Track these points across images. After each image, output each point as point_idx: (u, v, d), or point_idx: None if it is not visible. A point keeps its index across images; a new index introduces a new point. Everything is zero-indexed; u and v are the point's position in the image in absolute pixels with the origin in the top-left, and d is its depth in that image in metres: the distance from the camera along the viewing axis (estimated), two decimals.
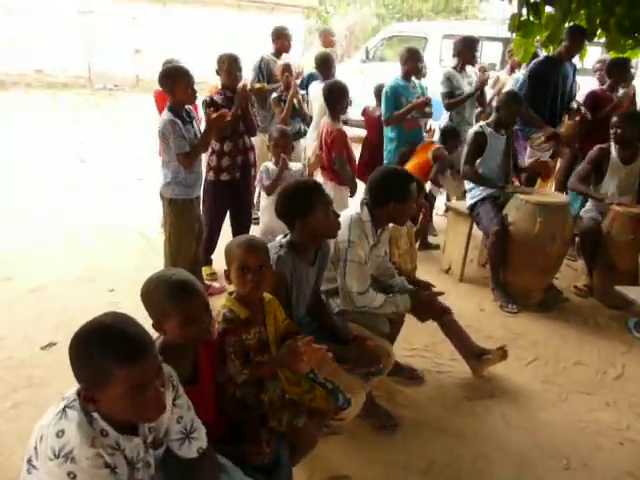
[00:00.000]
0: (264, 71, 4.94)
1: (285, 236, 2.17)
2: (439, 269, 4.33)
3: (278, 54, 5.07)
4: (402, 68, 4.47)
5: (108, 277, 3.86)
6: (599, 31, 3.77)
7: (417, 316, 2.64)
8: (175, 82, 3.09)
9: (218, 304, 1.90)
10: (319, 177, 4.17)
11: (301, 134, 4.83)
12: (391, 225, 2.83)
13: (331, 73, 4.84)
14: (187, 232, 3.31)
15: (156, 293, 1.49)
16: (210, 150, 3.67)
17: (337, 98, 3.91)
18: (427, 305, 2.58)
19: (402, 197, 2.40)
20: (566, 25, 3.91)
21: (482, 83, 4.79)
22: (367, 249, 2.40)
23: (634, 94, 4.62)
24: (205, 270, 3.83)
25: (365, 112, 5.23)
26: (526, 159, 4.73)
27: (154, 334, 1.47)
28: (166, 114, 3.11)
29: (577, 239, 4.13)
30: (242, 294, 1.84)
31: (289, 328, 1.99)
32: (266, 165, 3.65)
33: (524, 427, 2.60)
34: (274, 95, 4.78)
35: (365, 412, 2.34)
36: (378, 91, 4.86)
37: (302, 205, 2.05)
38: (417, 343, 3.20)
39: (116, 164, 7.08)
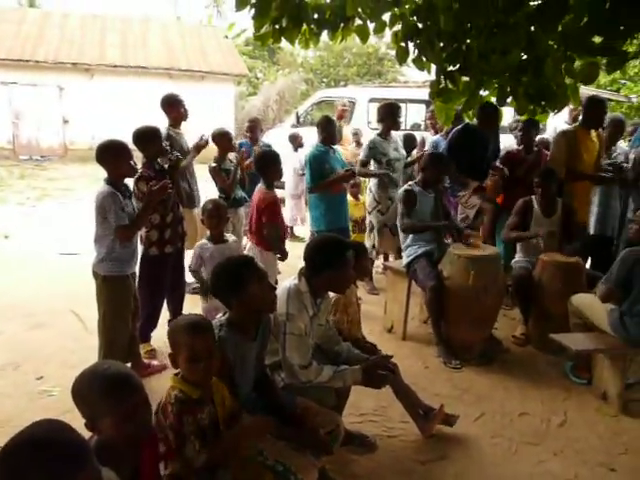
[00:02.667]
0: (175, 148, 4.58)
1: (224, 314, 2.13)
2: (382, 328, 4.35)
3: (176, 124, 4.75)
4: (320, 135, 4.62)
5: (35, 362, 3.60)
6: (509, 98, 4.07)
7: (370, 386, 2.62)
8: (116, 156, 3.05)
9: (158, 384, 1.83)
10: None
11: (242, 201, 4.86)
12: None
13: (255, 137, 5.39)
14: (123, 310, 3.18)
15: (88, 390, 1.39)
16: (149, 224, 3.57)
17: (269, 166, 3.99)
18: (379, 378, 2.55)
19: (338, 265, 2.41)
20: (481, 92, 4.19)
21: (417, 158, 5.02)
22: (307, 320, 2.38)
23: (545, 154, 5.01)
24: (144, 347, 3.66)
25: None
26: (458, 216, 4.95)
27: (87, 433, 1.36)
28: (105, 187, 3.03)
29: (510, 289, 4.28)
30: (192, 380, 1.78)
31: (232, 409, 1.92)
32: (201, 246, 3.54)
33: None
34: (213, 164, 4.75)
35: None
36: None
37: (235, 283, 2.02)
38: (365, 408, 3.16)
39: (43, 238, 6.79)
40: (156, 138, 3.64)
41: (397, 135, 5.25)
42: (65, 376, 1.47)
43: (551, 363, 3.82)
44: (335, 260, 2.40)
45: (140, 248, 3.48)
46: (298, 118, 9.14)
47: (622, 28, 3.09)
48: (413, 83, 10.85)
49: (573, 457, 2.83)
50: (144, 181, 3.44)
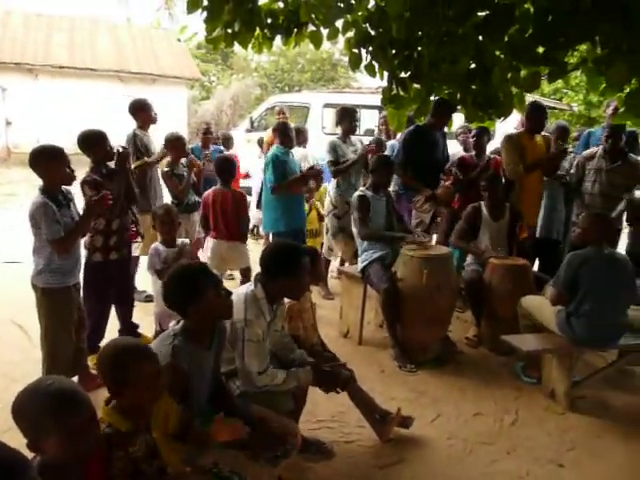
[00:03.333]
0: (140, 147, 4.61)
1: (177, 323, 2.08)
2: (338, 333, 4.36)
3: (145, 127, 4.72)
4: (278, 138, 4.64)
5: None
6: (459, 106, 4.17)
7: (322, 388, 2.62)
8: (48, 162, 2.89)
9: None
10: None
11: (195, 207, 4.78)
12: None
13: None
14: (65, 323, 3.04)
15: (30, 408, 1.31)
16: (93, 230, 3.47)
17: (228, 170, 4.22)
18: (330, 376, 2.56)
19: (293, 272, 2.41)
20: (432, 99, 4.27)
21: (367, 152, 5.06)
22: (264, 326, 2.36)
23: (494, 160, 5.16)
24: (91, 359, 3.52)
25: None
26: (412, 221, 5.02)
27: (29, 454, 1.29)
28: (38, 197, 2.87)
29: (463, 292, 4.37)
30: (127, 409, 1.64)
31: (182, 421, 1.86)
32: (156, 247, 3.52)
33: None
34: (165, 169, 4.67)
35: None
36: None
37: (192, 291, 1.98)
38: (322, 414, 3.14)
39: None
40: (102, 141, 3.48)
41: (358, 139, 5.29)
42: (7, 390, 1.38)
43: (503, 364, 3.92)
44: (291, 266, 2.39)
45: (84, 254, 3.38)
46: (252, 123, 9.09)
47: (563, 40, 3.23)
48: (367, 89, 10.97)
49: (525, 455, 2.90)
50: (89, 185, 3.34)
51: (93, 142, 3.46)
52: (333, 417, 3.15)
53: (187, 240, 3.84)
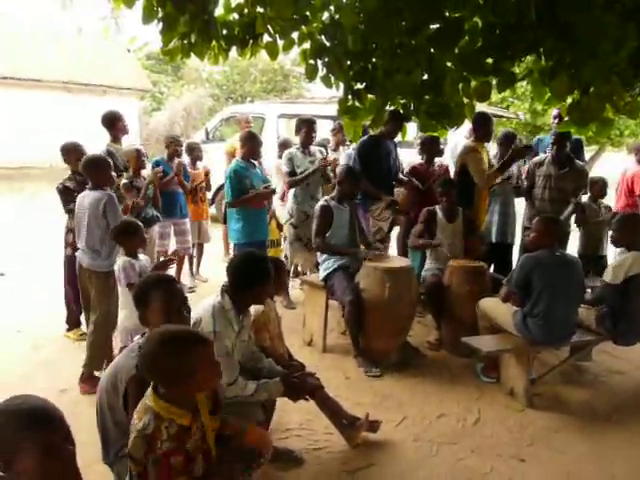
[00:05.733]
0: (119, 163, 4.71)
1: (143, 335, 2.05)
2: (302, 342, 4.38)
3: (117, 140, 4.89)
4: (241, 150, 4.63)
5: None
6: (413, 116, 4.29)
7: (290, 398, 2.63)
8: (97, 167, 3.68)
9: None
10: None
11: (153, 220, 4.72)
12: (260, 310, 2.85)
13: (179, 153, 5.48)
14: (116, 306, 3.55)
15: (3, 427, 1.28)
16: (66, 228, 4.19)
17: None
18: (299, 387, 2.57)
19: (265, 278, 2.45)
20: (387, 109, 4.37)
21: (325, 162, 5.11)
22: (233, 337, 2.36)
23: (447, 167, 5.31)
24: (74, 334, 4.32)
25: None
26: (370, 229, 5.10)
27: None
28: (100, 192, 3.61)
29: (423, 296, 4.47)
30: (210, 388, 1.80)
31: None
32: (129, 261, 3.45)
33: None
34: (124, 181, 4.62)
35: None
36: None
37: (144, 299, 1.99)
38: (291, 423, 3.16)
39: None
40: (80, 151, 4.18)
41: (316, 149, 5.34)
42: None
43: (464, 365, 4.02)
44: (258, 276, 2.41)
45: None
46: (207, 134, 9.02)
47: (510, 52, 3.39)
48: (320, 99, 11.06)
49: (488, 452, 2.99)
50: (59, 191, 4.13)
51: (72, 152, 4.21)
52: (301, 425, 3.16)
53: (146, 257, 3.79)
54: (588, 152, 20.70)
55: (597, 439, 3.15)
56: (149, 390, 1.74)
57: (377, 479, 2.75)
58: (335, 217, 4.11)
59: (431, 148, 5.15)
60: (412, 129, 7.83)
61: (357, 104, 4.24)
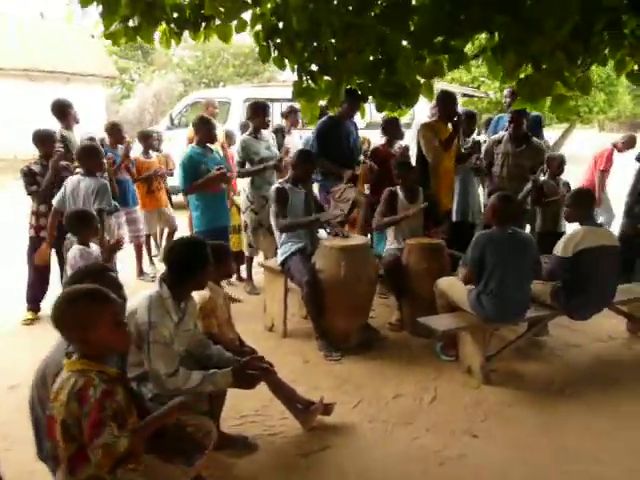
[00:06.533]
0: (70, 148, 4.68)
1: None
2: (263, 327, 4.36)
3: (69, 128, 4.90)
4: (196, 136, 4.55)
5: None
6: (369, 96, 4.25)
7: (242, 388, 2.59)
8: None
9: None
10: None
11: (112, 211, 4.64)
12: (207, 297, 2.81)
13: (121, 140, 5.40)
14: None
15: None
16: (31, 211, 4.44)
17: None
18: (249, 378, 2.53)
19: (203, 264, 2.42)
20: (343, 90, 4.32)
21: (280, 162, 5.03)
22: (171, 327, 2.32)
23: (406, 147, 5.30)
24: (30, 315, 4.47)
25: None
26: (331, 211, 5.07)
27: None
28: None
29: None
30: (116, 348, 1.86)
31: None
32: (84, 249, 3.41)
33: (357, 471, 2.66)
34: (78, 169, 4.56)
35: None
36: None
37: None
38: (246, 409, 3.14)
39: None
40: (50, 138, 4.41)
41: (269, 134, 5.27)
42: None
43: (424, 345, 4.03)
44: (195, 262, 2.38)
45: None
46: (172, 120, 8.88)
47: (459, 29, 3.35)
48: (291, 82, 10.93)
49: (442, 429, 3.02)
50: (27, 176, 4.35)
51: (44, 139, 4.37)
52: (257, 411, 3.15)
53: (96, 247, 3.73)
54: (559, 129, 20.96)
55: (550, 412, 3.20)
56: (63, 363, 1.81)
57: (331, 461, 2.76)
58: (291, 200, 4.07)
59: (391, 130, 5.13)
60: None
61: (312, 85, 4.20)
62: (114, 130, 5.47)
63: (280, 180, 4.23)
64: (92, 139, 4.79)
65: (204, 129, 4.51)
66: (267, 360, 2.90)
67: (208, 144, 4.59)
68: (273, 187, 4.16)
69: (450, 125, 4.79)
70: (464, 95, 16.77)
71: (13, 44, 15.76)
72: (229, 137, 6.23)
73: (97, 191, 3.98)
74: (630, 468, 2.70)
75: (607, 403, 3.30)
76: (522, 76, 3.71)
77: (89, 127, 5.71)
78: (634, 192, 4.60)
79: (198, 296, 2.69)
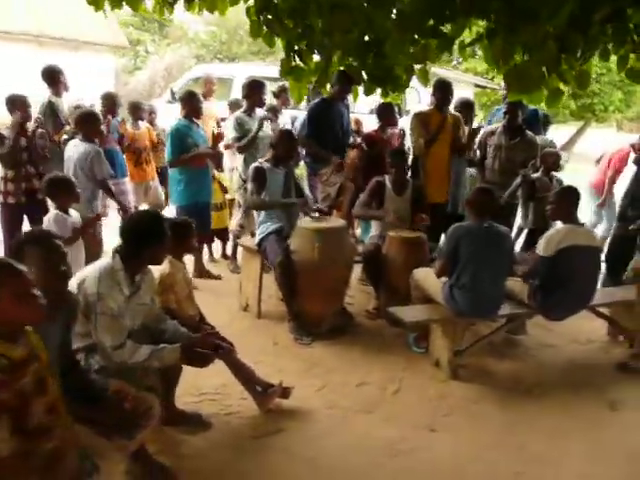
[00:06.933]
0: (58, 115, 4.68)
1: None
2: (239, 306, 4.33)
3: (59, 95, 4.89)
4: (183, 110, 4.50)
5: None
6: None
7: (192, 365, 2.56)
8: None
9: None
10: None
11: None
12: (166, 272, 2.77)
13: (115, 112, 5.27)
14: None
15: None
16: (1, 177, 4.32)
17: None
18: (199, 355, 2.49)
19: (159, 239, 2.38)
20: (332, 71, 4.23)
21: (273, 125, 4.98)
22: (121, 299, 2.28)
23: (403, 133, 5.19)
24: None
25: None
26: (319, 194, 5.01)
27: None
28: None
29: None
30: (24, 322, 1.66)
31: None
32: (61, 215, 3.41)
33: (305, 457, 2.63)
34: (64, 137, 4.56)
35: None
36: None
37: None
38: (206, 387, 3.12)
39: None
40: (25, 103, 4.33)
41: (262, 112, 5.19)
42: None
43: (397, 335, 3.97)
44: (150, 236, 2.34)
45: None
46: (173, 94, 8.79)
47: (449, 13, 3.25)
48: None
49: (401, 421, 2.98)
50: None
51: (16, 104, 4.28)
52: (217, 390, 3.13)
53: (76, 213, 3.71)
54: (574, 126, 20.61)
55: (514, 411, 3.15)
56: None
57: (282, 445, 2.73)
58: (269, 180, 4.01)
59: (385, 115, 5.03)
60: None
61: (301, 64, 4.11)
62: (108, 101, 5.41)
63: (260, 159, 4.16)
64: (79, 107, 4.74)
65: (190, 103, 4.46)
66: (227, 339, 2.88)
67: (194, 119, 4.53)
68: (252, 166, 4.10)
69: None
70: (477, 86, 16.53)
71: (22, 9, 15.61)
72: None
73: (92, 158, 4.03)
74: (584, 473, 2.65)
75: (575, 406, 3.24)
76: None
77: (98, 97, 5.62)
78: (628, 195, 4.48)
79: (157, 271, 2.65)
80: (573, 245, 3.40)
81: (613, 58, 4.04)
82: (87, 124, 4.13)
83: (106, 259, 2.36)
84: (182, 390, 2.96)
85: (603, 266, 4.21)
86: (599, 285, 4.03)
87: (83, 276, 2.27)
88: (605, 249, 4.59)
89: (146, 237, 2.33)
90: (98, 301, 2.20)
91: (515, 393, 3.36)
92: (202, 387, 3.11)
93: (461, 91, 9.68)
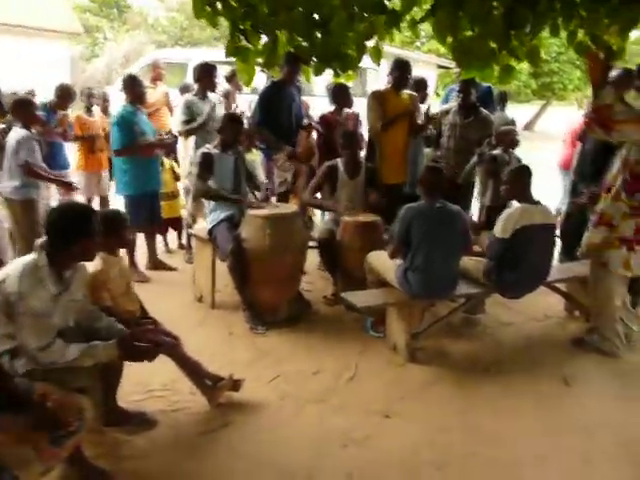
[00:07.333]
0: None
1: None
2: (193, 297, 4.21)
3: None
4: (128, 95, 4.31)
5: None
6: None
7: (133, 360, 2.45)
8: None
9: None
10: None
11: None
12: (99, 268, 2.63)
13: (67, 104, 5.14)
14: None
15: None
16: None
17: None
18: (137, 350, 2.37)
19: (87, 233, 2.22)
20: (280, 51, 4.09)
21: (227, 110, 4.81)
22: (46, 298, 2.13)
23: (358, 115, 5.09)
24: None
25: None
26: (275, 179, 4.89)
27: None
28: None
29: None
30: None
31: None
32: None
33: (249, 452, 2.54)
34: (1, 126, 4.37)
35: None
36: None
37: None
38: (154, 383, 3.00)
39: None
40: None
41: (216, 97, 5.03)
42: None
43: (355, 320, 3.91)
44: (78, 231, 2.19)
45: None
46: None
47: None
48: None
49: (356, 409, 2.91)
50: None
51: None
52: (165, 386, 3.01)
53: None
54: (536, 106, 20.83)
55: (470, 391, 3.12)
56: None
57: (231, 440, 2.63)
58: (217, 165, 3.87)
59: (340, 97, 4.91)
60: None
61: (247, 45, 3.96)
62: (62, 92, 5.21)
63: (208, 145, 4.01)
64: (15, 94, 4.50)
65: (132, 88, 4.27)
66: (172, 333, 2.77)
67: (138, 105, 4.35)
68: (199, 151, 3.95)
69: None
70: (440, 67, 16.50)
71: None
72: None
73: (19, 143, 3.88)
74: (539, 451, 2.63)
75: (531, 383, 3.22)
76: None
77: (53, 85, 5.39)
78: (576, 171, 4.48)
79: (91, 267, 2.51)
80: (529, 225, 3.37)
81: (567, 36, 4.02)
82: (20, 110, 4.01)
83: (30, 255, 2.20)
84: (129, 388, 2.84)
85: (559, 242, 4.22)
86: (555, 261, 4.03)
87: (4, 274, 2.11)
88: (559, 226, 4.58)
89: (73, 231, 2.18)
90: (20, 300, 2.05)
91: (472, 373, 3.33)
92: (150, 383, 2.99)
93: (424, 72, 9.62)
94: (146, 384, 2.98)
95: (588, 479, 2.48)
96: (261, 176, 4.69)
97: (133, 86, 4.33)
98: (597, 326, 3.59)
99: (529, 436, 2.74)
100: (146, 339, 2.43)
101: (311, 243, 4.10)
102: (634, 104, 4.22)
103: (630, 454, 2.64)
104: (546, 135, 16.91)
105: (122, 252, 2.86)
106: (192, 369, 2.82)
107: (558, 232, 4.12)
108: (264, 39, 3.95)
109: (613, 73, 4.33)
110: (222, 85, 5.85)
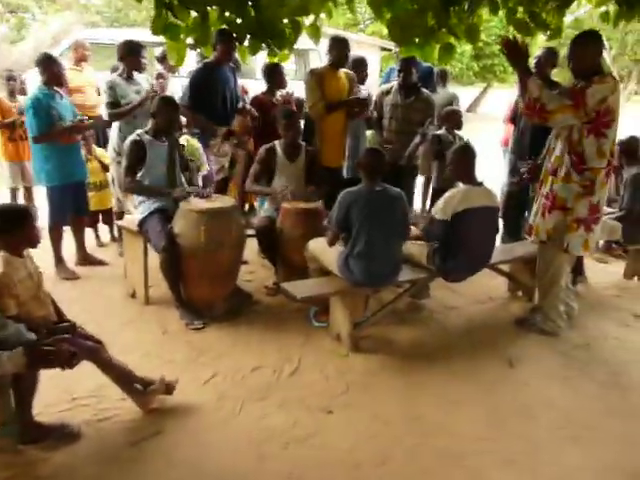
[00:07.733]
0: None
1: None
2: (125, 293, 3.95)
3: None
4: (43, 76, 3.95)
5: None
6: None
7: (46, 368, 2.22)
8: None
9: None
10: None
11: None
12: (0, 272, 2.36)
13: None
14: None
15: None
16: None
17: None
18: (49, 355, 2.14)
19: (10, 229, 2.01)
20: (211, 28, 3.84)
21: (155, 91, 4.51)
22: None
23: (292, 94, 4.90)
24: None
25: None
26: (213, 167, 4.65)
27: None
28: None
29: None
30: None
31: None
32: None
33: (189, 460, 2.36)
34: None
35: None
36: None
37: None
38: (80, 391, 2.75)
39: None
40: None
41: (144, 77, 4.71)
42: None
43: (297, 311, 3.75)
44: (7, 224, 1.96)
45: None
46: None
47: None
48: None
49: (297, 405, 2.77)
50: None
51: None
52: (92, 393, 2.76)
53: None
54: (479, 88, 21.13)
55: (415, 380, 3.04)
56: None
57: (163, 448, 2.44)
58: (149, 154, 3.60)
59: (273, 77, 4.70)
60: None
61: (175, 21, 3.69)
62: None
63: (139, 131, 3.72)
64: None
65: (49, 68, 3.91)
66: (94, 337, 2.56)
67: (56, 87, 4.00)
68: (129, 138, 3.66)
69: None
70: (383, 49, 16.40)
71: None
72: None
73: None
74: (480, 437, 2.58)
75: (475, 368, 3.18)
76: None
77: None
78: (514, 150, 4.47)
79: None
80: (470, 207, 3.30)
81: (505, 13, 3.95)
82: None
83: None
84: (52, 397, 2.62)
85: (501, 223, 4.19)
86: (498, 242, 4.01)
87: None
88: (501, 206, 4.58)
89: None
90: None
91: (417, 361, 3.26)
92: (75, 391, 2.75)
93: (367, 54, 9.47)
94: (71, 392, 2.74)
95: (534, 462, 2.44)
96: (205, 165, 4.47)
97: (49, 65, 3.95)
98: (541, 306, 3.59)
99: (474, 423, 2.68)
100: (59, 348, 2.20)
101: (250, 231, 3.90)
102: (562, 83, 4.22)
103: (574, 434, 2.63)
104: (489, 116, 17.13)
105: (33, 251, 2.57)
106: (119, 374, 2.60)
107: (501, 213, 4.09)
108: (194, 15, 3.69)
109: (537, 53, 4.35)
110: (155, 67, 5.54)
